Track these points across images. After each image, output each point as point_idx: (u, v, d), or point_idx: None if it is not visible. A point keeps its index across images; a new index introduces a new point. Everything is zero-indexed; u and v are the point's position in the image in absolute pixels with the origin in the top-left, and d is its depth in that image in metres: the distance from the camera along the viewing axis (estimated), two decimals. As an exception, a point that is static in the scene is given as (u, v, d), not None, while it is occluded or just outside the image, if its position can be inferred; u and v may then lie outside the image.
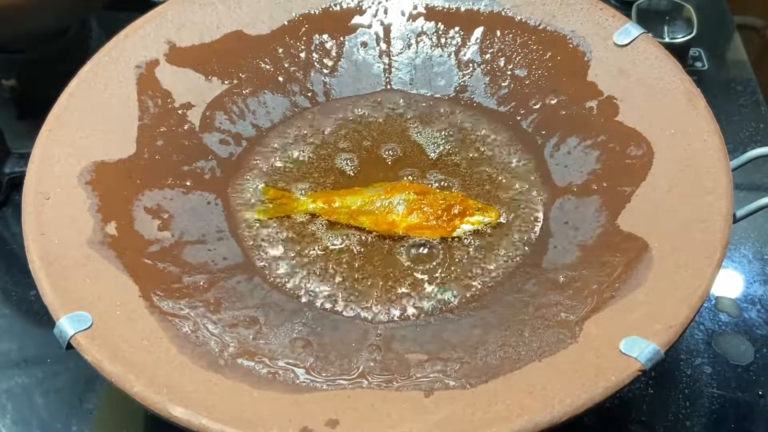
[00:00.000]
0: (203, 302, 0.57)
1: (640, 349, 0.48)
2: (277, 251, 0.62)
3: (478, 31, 0.75)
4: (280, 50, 0.75)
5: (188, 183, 0.66)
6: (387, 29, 0.76)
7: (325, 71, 0.75)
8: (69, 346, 0.50)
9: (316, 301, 0.59)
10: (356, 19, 0.76)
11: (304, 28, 0.75)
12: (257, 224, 0.64)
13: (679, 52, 0.82)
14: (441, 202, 0.63)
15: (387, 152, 0.70)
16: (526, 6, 0.73)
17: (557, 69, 0.71)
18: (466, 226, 0.63)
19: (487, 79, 0.74)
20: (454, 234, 0.63)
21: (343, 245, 0.63)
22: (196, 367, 0.50)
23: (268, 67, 0.74)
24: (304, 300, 0.59)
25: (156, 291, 0.56)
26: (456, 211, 0.63)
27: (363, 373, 0.52)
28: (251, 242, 0.63)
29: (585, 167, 0.65)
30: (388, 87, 0.75)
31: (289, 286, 0.60)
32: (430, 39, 0.76)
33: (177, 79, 0.70)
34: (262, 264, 0.62)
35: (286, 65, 0.74)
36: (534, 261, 0.61)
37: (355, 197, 0.65)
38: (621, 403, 0.64)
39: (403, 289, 0.60)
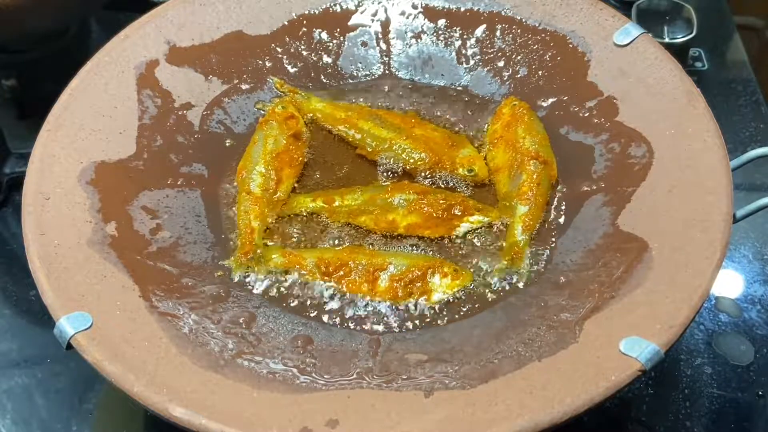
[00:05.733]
0: (203, 302, 0.57)
1: (640, 349, 0.48)
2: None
3: (478, 31, 0.75)
4: (280, 50, 0.75)
5: (187, 183, 0.66)
6: (387, 29, 0.76)
7: (325, 70, 0.75)
8: (69, 346, 0.50)
9: (316, 301, 0.59)
10: (356, 19, 0.76)
11: (304, 28, 0.75)
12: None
13: (679, 52, 0.82)
14: (441, 202, 0.63)
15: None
16: (526, 6, 0.73)
17: (557, 69, 0.71)
18: (465, 226, 0.63)
19: (488, 78, 0.74)
20: (454, 234, 0.63)
21: (342, 246, 0.63)
22: (196, 367, 0.50)
23: (268, 66, 0.74)
24: (304, 300, 0.59)
25: (156, 291, 0.56)
26: (456, 212, 0.63)
27: (363, 373, 0.52)
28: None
29: (585, 167, 0.65)
30: (389, 86, 0.75)
31: (287, 286, 0.60)
32: (430, 39, 0.76)
33: (177, 79, 0.70)
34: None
35: (286, 65, 0.74)
36: (534, 261, 0.61)
37: (356, 196, 0.64)
38: (621, 403, 0.64)
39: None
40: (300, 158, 0.68)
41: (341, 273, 0.59)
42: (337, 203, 0.64)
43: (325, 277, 0.59)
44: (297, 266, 0.60)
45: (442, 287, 0.59)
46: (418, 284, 0.58)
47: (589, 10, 0.70)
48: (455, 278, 0.59)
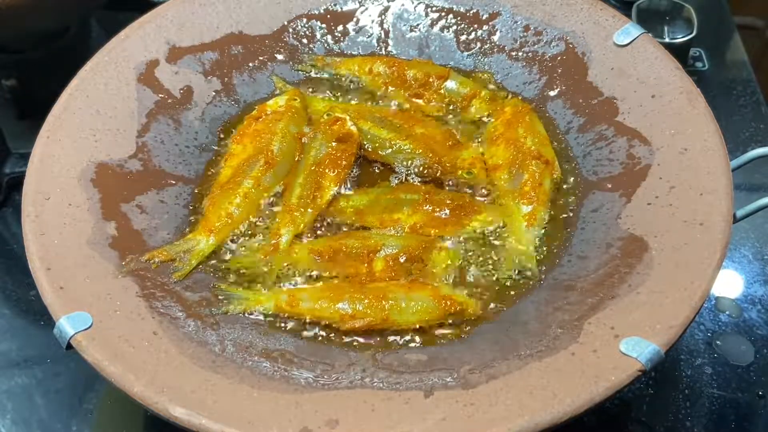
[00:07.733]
0: (203, 302, 0.57)
1: (640, 349, 0.48)
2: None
3: (478, 31, 0.75)
4: (281, 50, 0.75)
5: (187, 183, 0.66)
6: (387, 30, 0.76)
7: (327, 69, 0.75)
8: (69, 347, 0.50)
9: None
10: (357, 20, 0.76)
11: (304, 28, 0.75)
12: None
13: (679, 52, 0.82)
14: (448, 202, 0.63)
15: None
16: (526, 6, 0.73)
17: (557, 69, 0.71)
18: (472, 226, 0.62)
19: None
20: (460, 234, 0.62)
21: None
22: (196, 367, 0.50)
23: (268, 66, 0.74)
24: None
25: (155, 291, 0.56)
26: (462, 212, 0.62)
27: (363, 373, 0.52)
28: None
29: (585, 168, 0.65)
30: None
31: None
32: (430, 39, 0.76)
33: (177, 79, 0.70)
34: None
35: (286, 65, 0.74)
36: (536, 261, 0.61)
37: (362, 196, 0.64)
38: (621, 403, 0.64)
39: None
40: (346, 161, 0.66)
41: (336, 259, 0.59)
42: (342, 204, 0.64)
43: (321, 265, 0.59)
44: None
45: (442, 263, 0.59)
46: (416, 264, 0.59)
47: (589, 10, 0.70)
48: (449, 252, 0.60)
